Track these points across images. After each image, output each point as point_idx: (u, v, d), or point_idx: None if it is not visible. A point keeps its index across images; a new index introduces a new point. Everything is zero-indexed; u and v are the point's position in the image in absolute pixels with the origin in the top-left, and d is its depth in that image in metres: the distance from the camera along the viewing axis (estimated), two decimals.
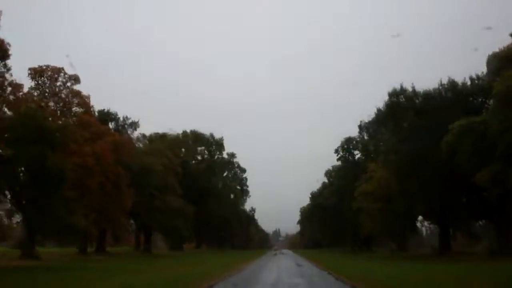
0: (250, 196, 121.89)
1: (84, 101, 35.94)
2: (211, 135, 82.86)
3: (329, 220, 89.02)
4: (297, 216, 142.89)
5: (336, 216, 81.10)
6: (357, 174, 64.97)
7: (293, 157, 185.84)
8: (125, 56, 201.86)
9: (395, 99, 36.12)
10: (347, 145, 66.24)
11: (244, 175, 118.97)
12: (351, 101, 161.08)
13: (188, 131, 79.72)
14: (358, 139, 65.73)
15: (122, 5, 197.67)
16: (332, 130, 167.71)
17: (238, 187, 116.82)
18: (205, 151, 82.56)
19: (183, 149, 78.37)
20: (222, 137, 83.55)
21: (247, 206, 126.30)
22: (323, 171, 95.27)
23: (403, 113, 35.84)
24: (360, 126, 65.73)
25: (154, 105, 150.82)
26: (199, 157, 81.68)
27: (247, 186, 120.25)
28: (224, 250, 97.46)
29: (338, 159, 67.11)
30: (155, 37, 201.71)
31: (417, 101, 35.92)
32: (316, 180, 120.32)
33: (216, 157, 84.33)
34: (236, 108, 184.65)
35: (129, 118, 45.40)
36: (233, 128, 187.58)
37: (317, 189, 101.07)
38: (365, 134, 66.33)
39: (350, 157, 66.42)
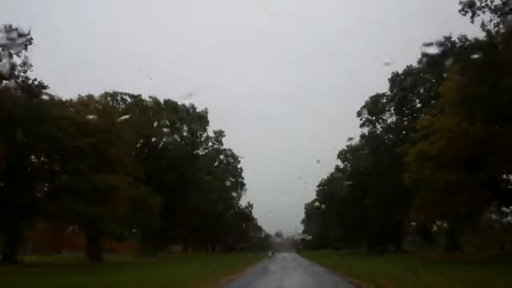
0: (246, 189, 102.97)
1: None
2: (192, 106, 63.61)
3: (341, 215, 70.23)
4: (301, 217, 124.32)
5: (351, 208, 62.35)
6: (389, 144, 46.50)
7: (296, 156, 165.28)
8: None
9: None
10: (374, 105, 47.32)
11: (239, 166, 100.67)
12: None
13: (162, 100, 60.37)
14: (390, 96, 46.89)
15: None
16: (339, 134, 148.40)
17: (232, 179, 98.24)
18: (184, 127, 63.36)
19: (155, 124, 59.55)
20: (206, 109, 64.22)
21: (243, 202, 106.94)
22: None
23: None
24: (392, 80, 47.11)
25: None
26: (176, 137, 62.37)
27: (242, 178, 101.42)
28: (210, 254, 79.17)
29: (361, 125, 48.06)
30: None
31: None
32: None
33: (198, 133, 64.92)
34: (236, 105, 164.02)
35: (15, 29, 26.22)
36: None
37: (327, 177, 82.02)
38: (398, 91, 47.72)
39: (379, 121, 47.55)
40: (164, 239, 73.52)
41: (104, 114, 37.85)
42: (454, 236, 45.42)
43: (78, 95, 44.24)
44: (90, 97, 45.66)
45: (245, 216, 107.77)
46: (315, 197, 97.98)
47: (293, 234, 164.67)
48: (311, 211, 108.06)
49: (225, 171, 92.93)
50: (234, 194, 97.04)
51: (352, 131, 78.02)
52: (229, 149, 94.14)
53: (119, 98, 47.80)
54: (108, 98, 46.86)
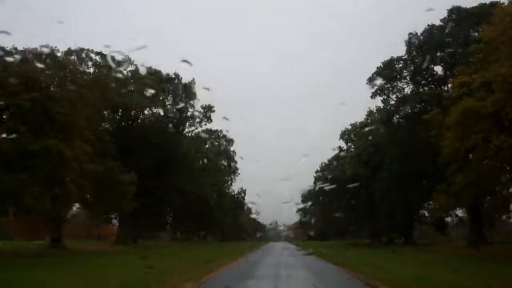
0: (239, 174, 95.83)
1: None
2: (177, 75, 55.65)
3: (343, 200, 62.85)
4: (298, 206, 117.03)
5: (355, 193, 55.03)
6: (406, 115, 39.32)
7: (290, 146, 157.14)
8: None
9: None
10: (390, 70, 39.86)
11: (232, 148, 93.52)
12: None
13: (144, 68, 52.22)
14: (408, 60, 39.47)
15: None
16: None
17: (224, 163, 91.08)
18: (168, 99, 55.64)
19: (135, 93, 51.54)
20: (194, 79, 56.18)
21: (236, 188, 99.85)
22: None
23: None
24: (409, 41, 39.72)
25: None
26: (157, 109, 54.20)
27: (235, 162, 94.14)
28: (200, 244, 72.37)
29: (373, 95, 40.58)
30: None
31: None
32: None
33: (183, 105, 56.70)
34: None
35: None
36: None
37: (328, 160, 74.75)
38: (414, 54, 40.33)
39: (393, 91, 40.16)
40: (147, 225, 66.43)
41: (59, 67, 30.37)
42: (481, 227, 38.45)
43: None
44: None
45: (238, 202, 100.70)
46: (312, 184, 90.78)
47: (289, 223, 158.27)
48: (308, 199, 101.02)
49: (217, 153, 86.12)
50: (226, 178, 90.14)
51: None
52: (221, 130, 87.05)
53: (84, 55, 39.85)
54: (73, 57, 38.97)
